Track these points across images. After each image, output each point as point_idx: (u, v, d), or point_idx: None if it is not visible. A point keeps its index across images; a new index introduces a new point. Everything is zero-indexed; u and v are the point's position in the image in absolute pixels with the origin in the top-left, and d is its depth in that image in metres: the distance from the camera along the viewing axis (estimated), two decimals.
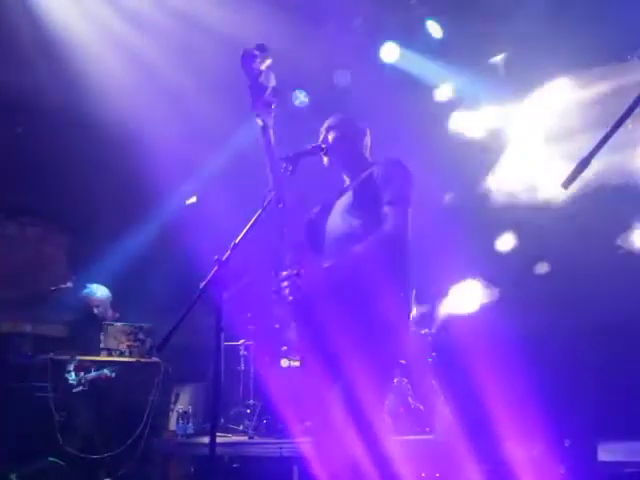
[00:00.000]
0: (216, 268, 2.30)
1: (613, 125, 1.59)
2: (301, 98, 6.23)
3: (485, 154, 5.58)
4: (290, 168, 2.59)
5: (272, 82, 2.65)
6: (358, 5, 5.53)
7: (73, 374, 4.71)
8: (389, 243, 2.54)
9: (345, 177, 2.88)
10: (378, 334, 2.46)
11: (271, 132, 2.62)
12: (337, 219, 2.69)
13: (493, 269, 5.36)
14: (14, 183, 5.80)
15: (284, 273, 2.52)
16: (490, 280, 5.34)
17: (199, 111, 5.81)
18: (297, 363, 5.27)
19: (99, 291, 5.44)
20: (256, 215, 2.47)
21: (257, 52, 2.61)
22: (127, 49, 5.52)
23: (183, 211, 6.43)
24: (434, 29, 5.68)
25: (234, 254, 2.35)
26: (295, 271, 2.48)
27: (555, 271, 5.09)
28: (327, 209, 2.79)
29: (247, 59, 2.61)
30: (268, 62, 2.65)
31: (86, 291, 5.42)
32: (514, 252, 5.39)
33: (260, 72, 2.62)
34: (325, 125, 2.87)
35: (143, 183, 5.92)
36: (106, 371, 4.82)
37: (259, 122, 2.59)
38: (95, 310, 5.35)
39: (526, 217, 5.17)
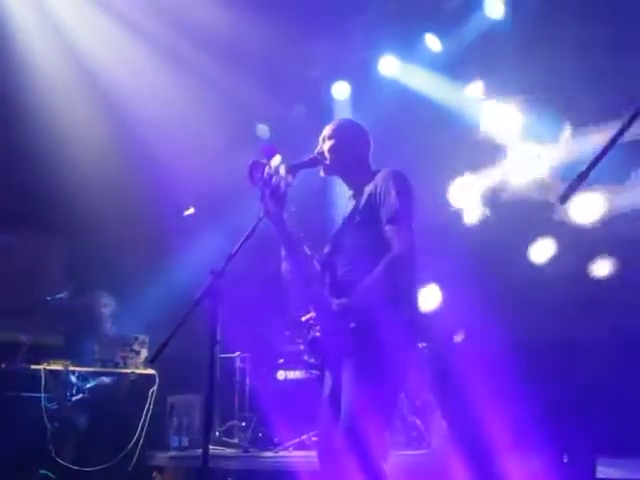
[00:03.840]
0: (211, 279, 2.29)
1: (609, 141, 1.58)
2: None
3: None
4: (289, 181, 2.57)
5: (283, 172, 2.59)
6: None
7: (73, 381, 4.69)
8: (398, 268, 2.45)
9: (348, 188, 2.81)
10: (386, 367, 2.43)
11: (283, 216, 2.61)
12: (345, 242, 2.64)
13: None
14: (12, 193, 5.80)
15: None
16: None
17: (200, 124, 5.84)
18: (293, 375, 5.24)
19: (103, 297, 5.45)
20: (252, 226, 2.46)
21: (265, 160, 2.55)
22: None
23: (181, 222, 6.42)
24: (433, 43, 5.71)
25: (229, 265, 2.34)
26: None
27: (554, 281, 5.06)
28: (337, 233, 2.74)
29: (255, 170, 2.55)
30: (277, 160, 2.60)
31: (90, 296, 5.42)
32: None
33: (270, 177, 2.57)
34: (323, 134, 2.80)
35: (142, 194, 5.93)
36: (104, 378, 4.81)
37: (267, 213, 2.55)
38: (96, 312, 5.34)
39: None
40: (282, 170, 2.60)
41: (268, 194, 2.56)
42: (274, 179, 2.57)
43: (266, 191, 2.56)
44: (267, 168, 2.57)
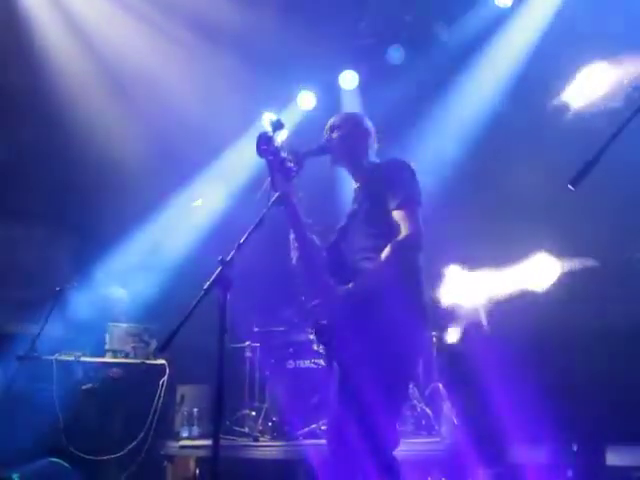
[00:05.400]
0: (220, 268, 2.29)
1: (617, 128, 1.58)
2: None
3: None
4: (296, 168, 2.58)
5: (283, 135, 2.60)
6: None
7: (81, 372, 4.73)
8: (408, 251, 2.50)
9: (353, 181, 2.84)
10: (396, 351, 2.45)
11: (294, 199, 2.60)
12: (354, 230, 2.67)
13: None
14: (20, 184, 5.83)
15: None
16: None
17: (216, 116, 5.83)
18: (303, 364, 5.25)
19: (118, 292, 5.47)
20: (261, 215, 2.46)
21: (272, 133, 2.55)
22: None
23: (189, 213, 6.44)
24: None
25: (238, 254, 2.34)
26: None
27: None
28: (345, 223, 2.76)
29: (263, 143, 2.54)
30: (284, 134, 2.60)
31: (106, 290, 5.44)
32: None
33: (277, 150, 2.56)
34: (329, 124, 2.84)
35: (149, 184, 5.94)
36: (114, 369, 4.85)
37: (279, 195, 2.53)
38: (110, 307, 5.36)
39: None
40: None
41: (276, 167, 2.56)
42: (282, 153, 2.58)
43: (274, 164, 2.56)
44: (275, 142, 2.57)
